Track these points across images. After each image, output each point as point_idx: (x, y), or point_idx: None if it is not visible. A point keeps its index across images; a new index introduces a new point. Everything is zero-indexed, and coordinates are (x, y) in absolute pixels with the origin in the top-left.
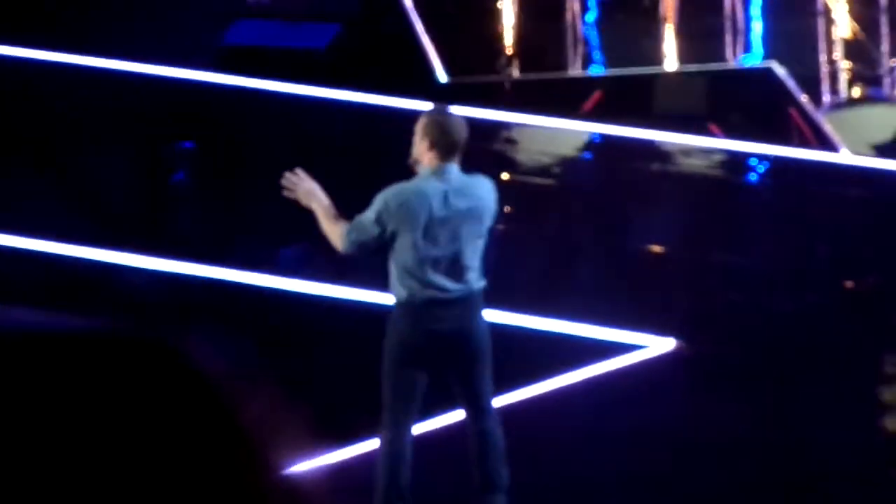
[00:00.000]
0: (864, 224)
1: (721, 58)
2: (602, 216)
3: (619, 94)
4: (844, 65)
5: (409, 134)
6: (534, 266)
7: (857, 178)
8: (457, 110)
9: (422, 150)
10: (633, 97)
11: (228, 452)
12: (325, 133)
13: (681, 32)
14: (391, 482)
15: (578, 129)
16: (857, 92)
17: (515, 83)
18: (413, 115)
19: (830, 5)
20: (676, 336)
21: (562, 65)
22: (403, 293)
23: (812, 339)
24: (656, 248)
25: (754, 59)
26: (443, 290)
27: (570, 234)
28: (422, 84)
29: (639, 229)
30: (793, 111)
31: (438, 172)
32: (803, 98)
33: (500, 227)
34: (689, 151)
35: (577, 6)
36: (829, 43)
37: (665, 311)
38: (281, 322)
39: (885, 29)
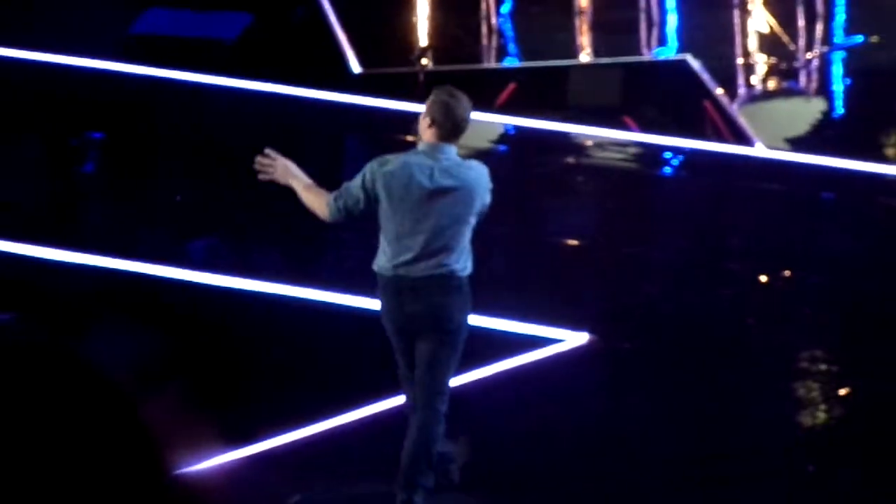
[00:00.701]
0: (779, 217)
1: (636, 51)
2: (516, 209)
3: (533, 86)
4: (760, 58)
5: (322, 124)
6: None
7: (771, 172)
8: (370, 101)
9: (423, 127)
10: (548, 90)
11: (125, 451)
12: (236, 124)
13: (595, 25)
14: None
15: (493, 122)
16: (772, 85)
17: (429, 74)
18: (325, 106)
19: None
20: (591, 330)
21: (476, 57)
22: (380, 263)
23: (726, 333)
24: (571, 242)
25: (669, 51)
26: (413, 268)
27: (484, 228)
28: (335, 75)
29: (553, 222)
30: (707, 104)
31: (432, 150)
32: (718, 91)
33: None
34: (603, 144)
35: None
36: (745, 36)
37: (580, 305)
38: (189, 315)
39: (801, 22)
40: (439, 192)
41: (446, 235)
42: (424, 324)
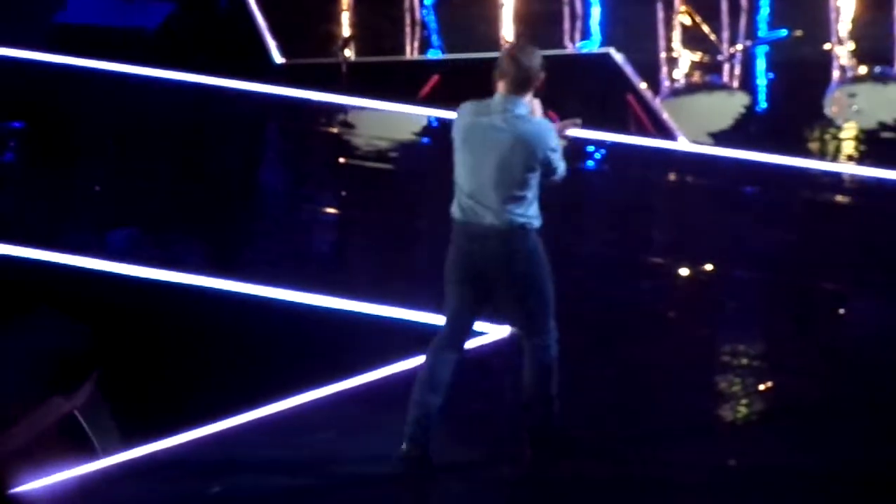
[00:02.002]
0: (701, 211)
1: (559, 44)
2: (440, 201)
3: (456, 78)
4: (683, 52)
5: (244, 114)
6: (373, 252)
7: (694, 166)
8: (292, 92)
9: (495, 79)
10: (471, 82)
11: None
12: (158, 113)
13: (519, 17)
14: (414, 394)
15: (416, 113)
16: (695, 79)
17: (352, 66)
18: (248, 96)
19: None
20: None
21: (399, 49)
22: (453, 209)
23: (648, 325)
24: None
25: (592, 45)
26: (482, 216)
27: (409, 220)
28: (257, 66)
29: None
30: (630, 98)
31: (501, 101)
32: (641, 85)
33: (337, 211)
34: None
35: None
36: (669, 30)
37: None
38: (109, 306)
39: (724, 16)
40: (501, 142)
41: (512, 185)
42: (495, 274)
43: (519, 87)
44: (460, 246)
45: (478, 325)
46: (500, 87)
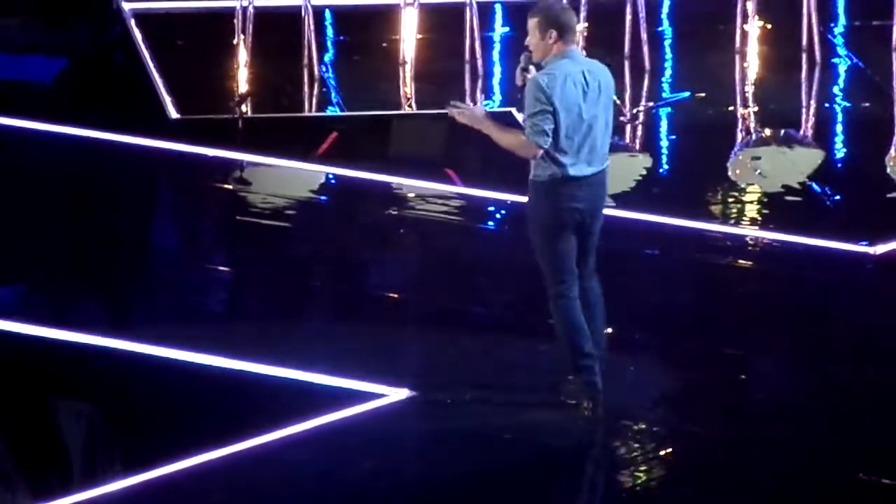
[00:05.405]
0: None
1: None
2: (336, 260)
3: (355, 136)
4: None
5: (138, 169)
6: (265, 312)
7: None
8: (187, 148)
9: (549, 43)
10: (370, 139)
11: None
12: (51, 168)
13: (420, 76)
14: (581, 334)
15: (313, 171)
16: None
17: (248, 122)
18: (140, 153)
19: None
20: (411, 385)
21: (298, 105)
22: (553, 168)
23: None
24: (392, 295)
25: (494, 104)
26: (590, 166)
27: (303, 278)
28: (152, 121)
29: (374, 275)
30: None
31: (571, 56)
32: None
33: (228, 269)
34: (425, 196)
35: (314, 46)
36: None
37: (401, 360)
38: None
39: (627, 78)
40: (595, 94)
41: (607, 132)
42: (592, 216)
43: (574, 39)
44: (573, 196)
45: (374, 387)
46: (560, 45)
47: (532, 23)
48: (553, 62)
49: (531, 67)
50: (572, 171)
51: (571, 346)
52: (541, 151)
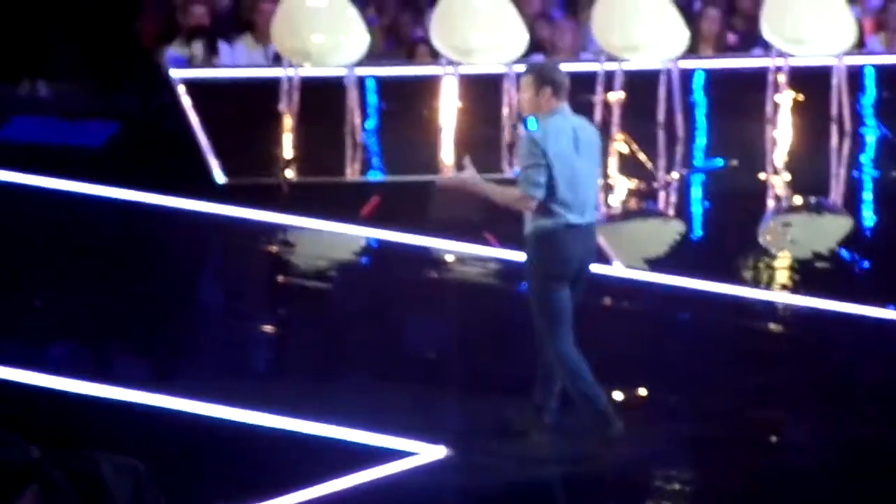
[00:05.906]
0: (635, 336)
1: (497, 168)
2: (378, 322)
3: (396, 199)
4: (620, 178)
5: (186, 233)
6: (307, 370)
7: (629, 290)
8: (232, 211)
9: (543, 99)
10: (411, 203)
11: None
12: (101, 232)
13: (458, 141)
14: (594, 384)
15: (356, 234)
16: (631, 205)
17: (293, 186)
18: (187, 216)
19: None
20: (446, 443)
21: (340, 169)
22: (550, 218)
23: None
24: (431, 355)
25: None
26: (583, 216)
27: (345, 339)
28: (199, 185)
29: (414, 336)
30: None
31: (561, 112)
32: None
33: (272, 329)
34: (464, 259)
35: (357, 112)
36: (605, 156)
37: (436, 418)
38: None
39: (661, 145)
40: (584, 148)
41: (591, 188)
42: (584, 266)
43: (566, 95)
44: (571, 245)
45: (407, 445)
46: (554, 101)
47: (526, 80)
48: (545, 118)
49: (519, 125)
50: (571, 219)
51: (585, 392)
52: (535, 203)
